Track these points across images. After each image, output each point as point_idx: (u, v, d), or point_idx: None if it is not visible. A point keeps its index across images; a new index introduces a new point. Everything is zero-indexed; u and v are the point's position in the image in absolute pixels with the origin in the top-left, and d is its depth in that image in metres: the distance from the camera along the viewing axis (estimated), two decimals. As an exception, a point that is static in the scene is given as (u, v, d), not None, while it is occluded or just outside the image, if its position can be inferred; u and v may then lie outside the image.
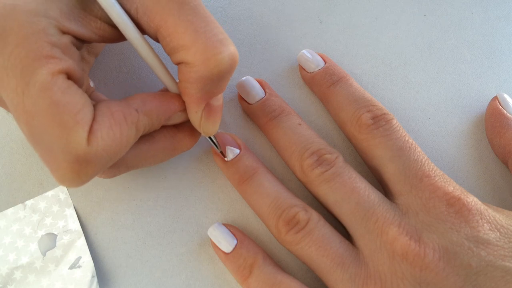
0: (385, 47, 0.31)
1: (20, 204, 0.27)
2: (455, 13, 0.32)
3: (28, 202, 0.27)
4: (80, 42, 0.21)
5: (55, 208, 0.27)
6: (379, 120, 0.25)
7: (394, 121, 0.25)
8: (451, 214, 0.22)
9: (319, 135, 0.26)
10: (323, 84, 0.28)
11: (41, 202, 0.27)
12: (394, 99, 0.30)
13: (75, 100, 0.19)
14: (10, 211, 0.26)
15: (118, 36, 0.22)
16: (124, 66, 0.30)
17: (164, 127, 0.24)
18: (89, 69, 0.25)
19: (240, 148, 0.26)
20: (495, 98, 0.28)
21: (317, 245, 0.23)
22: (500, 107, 0.28)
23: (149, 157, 0.24)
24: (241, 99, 0.28)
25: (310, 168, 0.24)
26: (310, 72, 0.29)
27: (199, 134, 0.25)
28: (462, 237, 0.21)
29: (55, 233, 0.26)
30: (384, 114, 0.25)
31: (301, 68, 0.29)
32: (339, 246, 0.23)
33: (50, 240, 0.26)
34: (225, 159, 0.26)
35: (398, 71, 0.30)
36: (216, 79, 0.20)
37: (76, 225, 0.26)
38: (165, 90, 0.24)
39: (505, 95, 0.28)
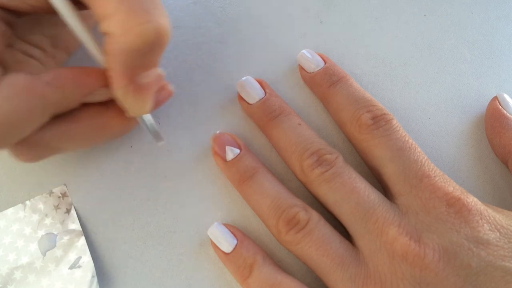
0: (385, 47, 0.31)
1: (20, 204, 0.27)
2: (455, 13, 0.32)
3: (28, 202, 0.27)
4: (13, 13, 0.20)
5: (55, 208, 0.27)
6: (379, 120, 0.25)
7: (394, 121, 0.25)
8: (451, 214, 0.22)
9: (319, 135, 0.26)
10: (323, 84, 0.28)
11: (41, 202, 0.27)
12: (394, 99, 0.30)
13: None
14: (10, 211, 0.26)
15: (46, 4, 0.20)
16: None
17: (89, 105, 0.23)
18: (53, 64, 0.24)
19: (240, 148, 0.26)
20: (495, 98, 0.28)
21: (317, 245, 0.23)
22: (500, 107, 0.28)
23: (74, 137, 0.23)
24: (241, 99, 0.28)
25: (310, 168, 0.24)
26: (310, 72, 0.29)
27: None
28: (462, 237, 0.21)
29: (55, 233, 0.26)
30: (384, 114, 0.25)
31: (301, 68, 0.29)
32: (339, 246, 0.23)
33: (50, 240, 0.26)
34: (226, 159, 0.26)
35: (398, 71, 0.30)
36: (140, 53, 0.19)
37: (76, 225, 0.26)
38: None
39: (505, 95, 0.28)
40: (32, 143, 0.22)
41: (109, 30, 0.19)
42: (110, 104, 0.23)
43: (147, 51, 0.19)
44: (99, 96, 0.22)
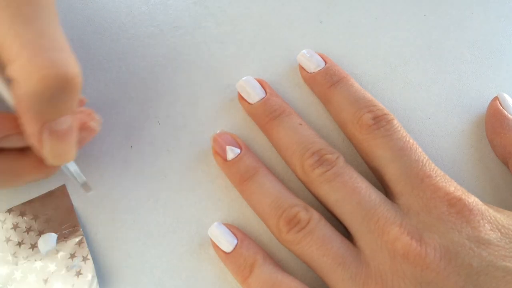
0: (385, 47, 0.31)
1: (20, 204, 0.27)
2: (455, 13, 0.32)
3: (28, 202, 0.27)
4: None
5: (55, 208, 0.26)
6: (380, 121, 0.25)
7: (395, 122, 0.25)
8: (452, 214, 0.22)
9: (319, 135, 0.26)
10: (324, 84, 0.28)
11: (41, 202, 0.27)
12: (394, 99, 0.30)
13: None
14: (10, 211, 0.26)
15: None
16: (124, 66, 0.30)
17: (5, 150, 0.22)
18: None
19: (240, 148, 0.26)
20: (496, 98, 0.28)
21: (318, 245, 0.23)
22: (501, 107, 0.28)
23: None
24: (242, 99, 0.28)
25: (311, 168, 0.24)
26: (311, 72, 0.29)
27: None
28: (463, 237, 0.21)
29: (55, 233, 0.26)
30: (385, 114, 0.25)
31: (301, 68, 0.29)
32: (340, 245, 0.23)
33: (50, 240, 0.26)
34: (226, 158, 0.26)
35: (398, 71, 0.30)
36: (46, 98, 0.18)
37: (76, 225, 0.26)
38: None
39: (506, 95, 0.28)
40: None
41: (13, 74, 0.18)
42: (27, 150, 0.22)
43: (55, 97, 0.18)
44: (13, 142, 0.21)
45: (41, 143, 0.20)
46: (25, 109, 0.19)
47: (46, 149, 0.20)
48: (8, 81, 0.19)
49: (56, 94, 0.18)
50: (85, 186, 0.24)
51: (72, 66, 0.19)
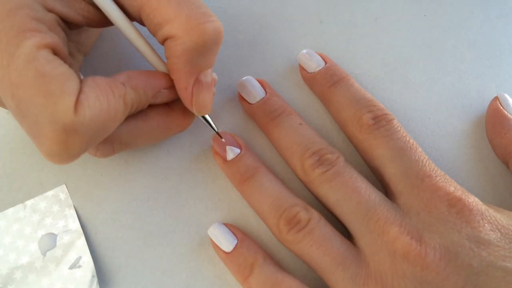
0: (385, 47, 0.31)
1: (20, 204, 0.27)
2: (455, 13, 0.32)
3: (28, 202, 0.27)
4: (67, 24, 0.21)
5: (55, 208, 0.27)
6: (380, 121, 0.25)
7: (395, 122, 0.25)
8: (452, 214, 0.22)
9: (319, 135, 0.26)
10: (324, 84, 0.28)
11: (41, 202, 0.27)
12: (394, 99, 0.30)
13: (61, 71, 0.18)
14: (10, 211, 0.26)
15: (103, 18, 0.22)
16: (124, 66, 0.30)
17: (157, 105, 0.24)
18: (78, 67, 0.25)
19: (240, 148, 0.26)
20: (496, 98, 0.28)
21: (318, 245, 0.23)
22: (501, 107, 0.28)
23: (144, 134, 0.24)
24: (242, 99, 0.28)
25: (311, 168, 0.24)
26: (311, 72, 0.29)
27: (193, 114, 0.25)
28: (463, 237, 0.21)
29: (55, 233, 0.26)
30: (385, 114, 0.25)
31: (301, 68, 0.29)
32: (340, 245, 0.23)
33: (50, 240, 0.26)
34: (226, 158, 0.26)
35: (398, 71, 0.30)
36: (202, 51, 0.21)
37: (76, 225, 0.26)
38: None
39: (506, 96, 0.28)
40: (109, 140, 0.23)
41: (172, 33, 0.20)
42: (173, 104, 0.25)
43: (207, 49, 0.21)
44: (163, 97, 0.23)
45: (192, 95, 0.22)
46: (184, 63, 0.21)
47: (196, 100, 0.23)
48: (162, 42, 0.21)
49: (211, 46, 0.21)
50: (219, 134, 0.26)
51: (217, 20, 0.21)
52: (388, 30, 0.31)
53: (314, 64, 0.28)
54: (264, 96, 0.28)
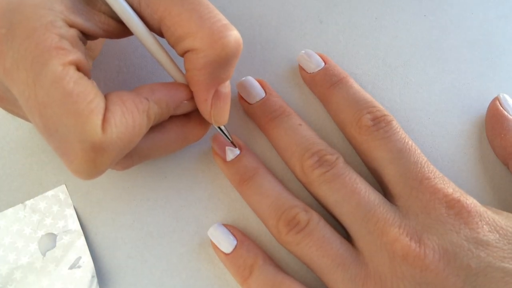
0: (385, 47, 0.31)
1: (20, 204, 0.27)
2: (455, 13, 0.32)
3: (28, 202, 0.27)
4: (85, 37, 0.21)
5: (55, 208, 0.27)
6: (379, 122, 0.25)
7: (394, 123, 0.25)
8: (451, 216, 0.22)
9: (319, 135, 0.26)
10: (323, 85, 0.28)
11: (41, 202, 0.27)
12: (394, 99, 0.30)
13: (87, 89, 0.19)
14: (10, 211, 0.26)
15: (123, 30, 0.22)
16: (124, 66, 0.30)
17: (174, 117, 0.24)
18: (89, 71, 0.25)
19: (240, 149, 0.26)
20: (496, 99, 0.28)
21: (318, 246, 0.23)
22: (501, 108, 0.27)
23: (162, 146, 0.24)
24: (242, 99, 0.28)
25: (311, 169, 0.24)
26: (310, 73, 0.29)
27: (209, 124, 0.25)
28: (461, 239, 0.22)
29: (55, 233, 0.26)
30: (384, 115, 0.25)
31: (301, 69, 0.29)
32: (340, 246, 0.23)
33: (50, 240, 0.26)
34: (226, 159, 0.26)
35: (398, 71, 0.30)
36: (223, 63, 0.21)
37: (76, 225, 0.26)
38: None
39: (506, 96, 0.28)
40: (130, 153, 0.23)
41: (194, 46, 0.20)
42: (191, 115, 0.25)
43: (229, 62, 0.21)
44: (183, 109, 0.24)
45: (211, 107, 0.23)
46: (204, 76, 0.21)
47: (215, 112, 0.23)
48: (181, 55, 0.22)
49: (232, 58, 0.21)
50: (234, 143, 0.26)
51: (237, 31, 0.21)
52: (388, 30, 0.31)
53: (314, 65, 0.28)
54: (263, 96, 0.28)
